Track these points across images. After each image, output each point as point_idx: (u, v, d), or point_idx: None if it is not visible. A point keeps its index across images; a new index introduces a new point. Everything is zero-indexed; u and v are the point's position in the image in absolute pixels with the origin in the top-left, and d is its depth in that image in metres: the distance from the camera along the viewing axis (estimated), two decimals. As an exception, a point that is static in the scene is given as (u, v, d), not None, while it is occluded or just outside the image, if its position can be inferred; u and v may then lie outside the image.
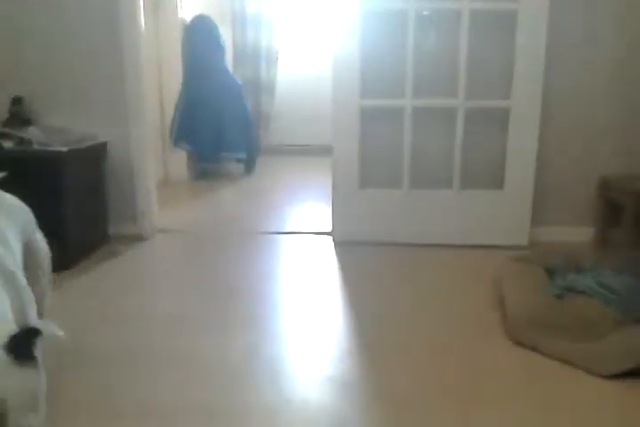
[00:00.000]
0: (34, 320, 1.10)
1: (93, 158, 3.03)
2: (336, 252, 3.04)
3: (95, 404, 1.60)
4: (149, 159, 3.26)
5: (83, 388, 1.69)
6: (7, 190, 2.52)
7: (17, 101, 3.01)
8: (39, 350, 0.89)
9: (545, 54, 2.89)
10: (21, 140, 2.76)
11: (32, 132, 2.81)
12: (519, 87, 2.93)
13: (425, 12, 3.01)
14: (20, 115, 3.00)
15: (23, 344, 0.87)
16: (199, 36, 4.94)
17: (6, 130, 2.82)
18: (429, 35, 3.07)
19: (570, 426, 1.56)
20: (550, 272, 2.38)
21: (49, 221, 2.69)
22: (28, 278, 1.20)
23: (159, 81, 4.81)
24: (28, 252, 1.46)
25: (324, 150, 3.69)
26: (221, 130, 4.95)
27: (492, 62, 3.01)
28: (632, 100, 3.01)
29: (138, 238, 3.18)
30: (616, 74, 2.99)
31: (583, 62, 2.99)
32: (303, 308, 2.35)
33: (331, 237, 3.20)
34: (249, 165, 5.28)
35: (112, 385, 1.71)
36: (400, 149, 3.05)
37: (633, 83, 2.99)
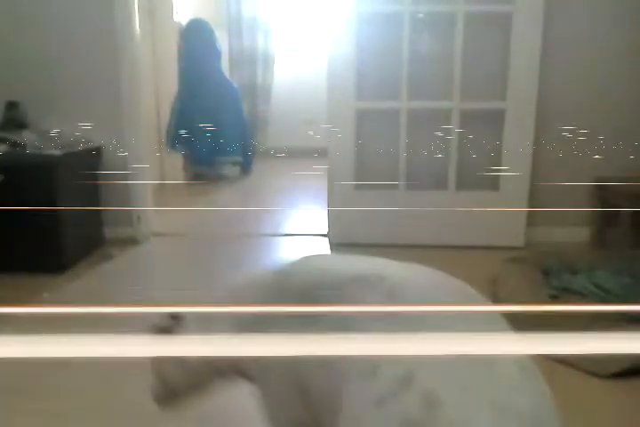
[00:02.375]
0: None
1: (88, 162, 3.02)
2: (332, 253, 3.04)
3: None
4: (145, 163, 3.26)
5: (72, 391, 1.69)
6: (2, 194, 2.53)
7: (12, 106, 3.01)
8: None
9: (540, 56, 2.89)
10: (16, 144, 2.76)
11: (26, 136, 2.81)
12: (514, 89, 2.93)
13: (420, 15, 3.03)
14: (14, 119, 3.00)
15: None
16: (195, 39, 4.94)
17: (1, 134, 2.81)
18: (424, 37, 3.08)
19: (567, 426, 1.55)
20: (546, 273, 2.38)
21: (44, 225, 2.70)
22: None
23: (155, 84, 4.82)
24: None
25: (320, 153, 3.70)
26: (217, 133, 4.95)
27: (488, 64, 3.02)
28: (627, 101, 3.01)
29: (134, 242, 3.17)
30: (612, 75, 3.00)
31: (578, 64, 2.99)
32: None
33: (327, 239, 3.20)
34: (245, 168, 5.29)
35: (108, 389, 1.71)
36: (396, 151, 3.06)
37: (629, 84, 3.00)
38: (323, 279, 0.90)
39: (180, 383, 1.09)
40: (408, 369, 0.66)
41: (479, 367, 0.65)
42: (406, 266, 0.90)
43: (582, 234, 3.10)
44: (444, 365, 0.66)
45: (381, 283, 0.81)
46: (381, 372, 0.67)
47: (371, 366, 0.69)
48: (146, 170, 3.27)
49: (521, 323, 2.02)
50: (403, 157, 3.05)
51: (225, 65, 5.49)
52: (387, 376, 0.67)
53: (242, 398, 1.42)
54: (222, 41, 5.36)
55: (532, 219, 3.06)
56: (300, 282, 0.94)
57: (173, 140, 4.86)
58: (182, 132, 4.83)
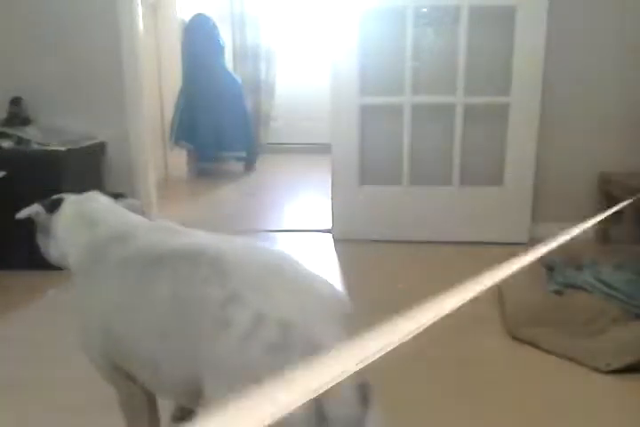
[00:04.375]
0: None
1: (92, 158, 3.03)
2: (336, 249, 3.04)
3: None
4: (149, 158, 3.26)
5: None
6: (6, 190, 2.53)
7: (16, 101, 3.01)
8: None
9: (544, 50, 2.88)
10: (20, 140, 2.76)
11: (30, 132, 2.81)
12: (518, 83, 2.92)
13: (424, 9, 3.01)
14: (18, 114, 3.00)
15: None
16: (198, 35, 4.93)
17: (5, 129, 2.82)
18: (428, 31, 3.07)
19: (569, 420, 1.56)
20: (550, 268, 2.37)
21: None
22: None
23: (159, 80, 4.82)
24: None
25: (324, 148, 3.69)
26: (221, 129, 4.94)
27: (491, 59, 3.01)
28: (632, 95, 3.00)
29: (138, 237, 3.17)
30: (616, 70, 2.98)
31: (582, 58, 2.98)
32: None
33: (330, 235, 3.20)
34: (249, 164, 5.28)
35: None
36: (399, 146, 3.05)
37: (632, 79, 2.98)
38: (143, 253, 1.01)
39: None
40: (256, 309, 0.80)
41: (309, 296, 0.86)
42: (225, 239, 1.02)
43: (587, 230, 3.08)
44: (285, 297, 0.83)
45: (201, 256, 0.92)
46: (233, 321, 0.80)
47: (222, 322, 0.82)
48: (149, 166, 3.28)
49: (525, 319, 2.03)
50: (407, 153, 3.05)
51: (228, 60, 5.48)
52: (240, 322, 0.80)
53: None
54: (225, 37, 5.35)
55: (536, 214, 3.05)
56: (114, 254, 1.05)
57: (178, 136, 4.86)
58: (186, 127, 4.82)
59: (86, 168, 2.97)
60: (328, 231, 3.23)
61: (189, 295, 0.88)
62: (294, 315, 0.80)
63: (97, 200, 1.24)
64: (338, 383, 0.67)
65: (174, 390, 0.95)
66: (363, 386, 0.83)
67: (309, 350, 0.75)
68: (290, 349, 0.76)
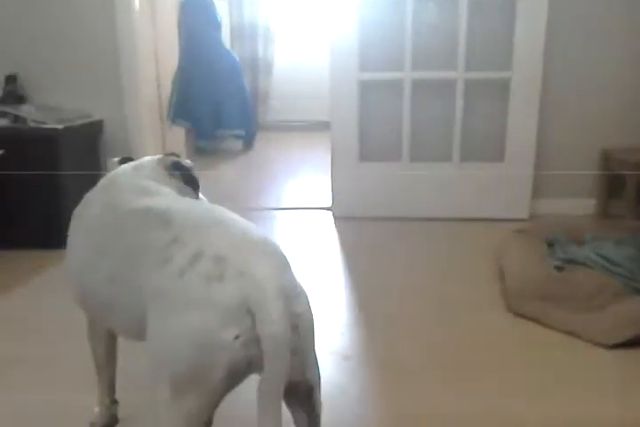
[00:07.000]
0: None
1: (89, 136, 3.00)
2: (336, 226, 3.03)
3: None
4: (146, 137, 3.24)
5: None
6: (3, 168, 2.51)
7: (11, 79, 2.97)
8: None
9: (546, 24, 2.84)
10: (16, 118, 2.74)
11: (27, 110, 2.78)
12: (520, 58, 2.88)
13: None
14: (14, 92, 2.97)
15: None
16: (195, 11, 4.86)
17: (0, 108, 2.79)
18: (429, 5, 3.02)
19: (572, 395, 1.56)
20: (551, 245, 2.37)
21: (45, 198, 2.69)
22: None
23: (156, 57, 4.75)
24: None
25: (323, 126, 3.66)
26: (219, 106, 4.90)
27: (492, 33, 2.96)
28: (634, 72, 2.96)
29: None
30: (619, 45, 2.94)
31: (585, 33, 2.94)
32: (303, 282, 2.35)
33: (331, 212, 3.18)
34: (247, 142, 5.25)
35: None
36: (399, 122, 3.02)
37: (636, 54, 2.95)
38: (110, 209, 1.15)
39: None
40: (194, 248, 0.93)
41: (241, 237, 0.97)
42: (177, 199, 1.20)
43: (588, 205, 3.08)
44: (220, 238, 0.96)
45: (151, 211, 1.07)
46: (173, 258, 0.93)
47: (164, 259, 0.95)
48: (147, 144, 3.25)
49: (526, 295, 2.02)
50: (406, 129, 3.02)
51: (226, 38, 5.40)
52: (179, 258, 0.93)
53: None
54: (223, 14, 5.27)
55: (537, 190, 3.04)
56: (94, 204, 1.21)
57: (175, 114, 4.81)
58: (184, 105, 4.77)
59: (83, 146, 2.94)
60: (328, 209, 3.22)
61: (139, 241, 1.03)
62: (227, 251, 0.92)
63: (140, 169, 1.31)
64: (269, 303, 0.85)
65: (130, 328, 1.08)
66: (296, 315, 0.94)
67: (241, 278, 0.89)
68: (223, 278, 0.89)
